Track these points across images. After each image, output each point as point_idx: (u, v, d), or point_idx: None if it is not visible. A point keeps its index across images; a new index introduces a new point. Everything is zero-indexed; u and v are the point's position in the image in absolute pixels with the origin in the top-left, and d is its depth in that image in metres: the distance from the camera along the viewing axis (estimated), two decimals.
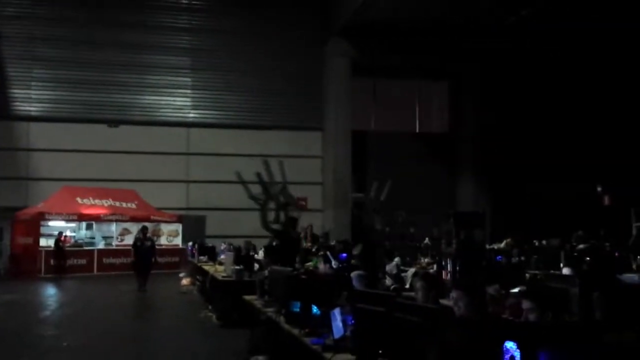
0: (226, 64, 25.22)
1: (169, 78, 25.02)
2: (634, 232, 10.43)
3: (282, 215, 11.38)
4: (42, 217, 21.02)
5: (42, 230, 21.12)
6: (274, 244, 11.57)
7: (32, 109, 23.93)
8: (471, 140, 26.76)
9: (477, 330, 3.37)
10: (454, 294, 4.64)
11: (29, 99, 23.96)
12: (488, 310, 5.07)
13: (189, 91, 25.40)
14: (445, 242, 11.52)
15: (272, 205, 11.50)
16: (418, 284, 5.19)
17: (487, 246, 13.54)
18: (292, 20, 25.57)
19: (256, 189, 11.94)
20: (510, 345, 2.93)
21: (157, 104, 25.06)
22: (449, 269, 8.68)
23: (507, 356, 2.92)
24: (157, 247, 18.50)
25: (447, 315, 4.12)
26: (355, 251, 10.39)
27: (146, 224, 19.28)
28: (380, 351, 4.16)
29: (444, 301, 5.47)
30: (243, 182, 11.36)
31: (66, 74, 23.85)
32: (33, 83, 23.96)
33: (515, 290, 5.96)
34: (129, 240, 19.63)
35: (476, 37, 23.72)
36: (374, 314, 4.28)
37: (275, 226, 11.03)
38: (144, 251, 16.26)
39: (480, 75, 26.24)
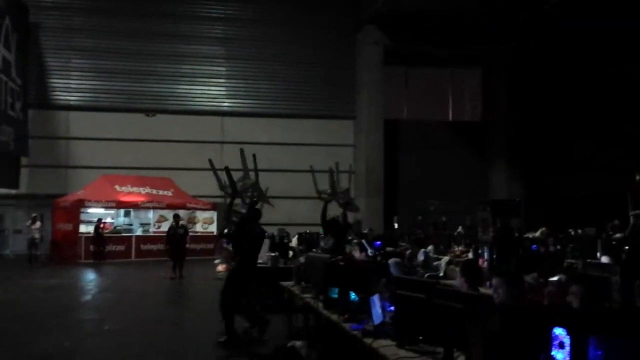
0: (260, 53, 25.41)
1: (204, 67, 25.32)
2: (632, 220, 10.07)
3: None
4: (81, 204, 21.52)
5: (82, 217, 21.63)
6: (226, 231, 11.19)
7: (72, 98, 24.48)
8: (504, 128, 26.42)
9: (522, 317, 3.39)
10: (493, 281, 4.66)
11: (69, 88, 24.52)
12: (528, 298, 5.08)
13: (223, 80, 25.68)
14: (481, 230, 11.47)
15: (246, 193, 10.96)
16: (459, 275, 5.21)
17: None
18: (324, 8, 25.57)
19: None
20: (559, 331, 2.93)
21: (192, 93, 25.38)
22: (485, 257, 8.66)
23: (556, 342, 2.93)
24: (192, 234, 18.82)
25: (488, 302, 4.15)
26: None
27: (181, 211, 19.62)
28: (420, 337, 4.22)
29: (481, 289, 5.49)
30: (214, 170, 11.27)
31: (104, 64, 24.33)
32: (72, 73, 24.51)
33: (554, 278, 5.93)
34: (166, 227, 19.95)
35: (509, 25, 23.33)
36: (414, 300, 4.34)
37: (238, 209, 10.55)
38: (178, 239, 16.59)
39: (514, 62, 25.84)
